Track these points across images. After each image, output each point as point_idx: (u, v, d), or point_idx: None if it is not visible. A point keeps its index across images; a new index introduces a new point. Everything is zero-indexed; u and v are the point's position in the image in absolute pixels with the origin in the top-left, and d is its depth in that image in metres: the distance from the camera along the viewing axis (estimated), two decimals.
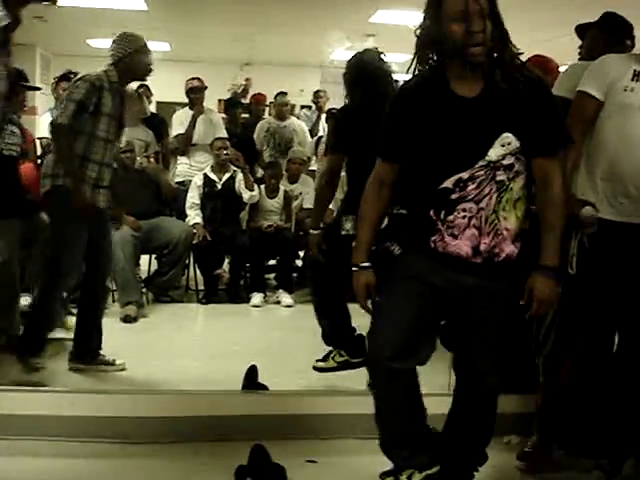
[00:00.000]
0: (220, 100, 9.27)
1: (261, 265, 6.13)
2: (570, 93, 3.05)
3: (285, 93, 7.57)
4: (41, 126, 6.37)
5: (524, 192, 2.30)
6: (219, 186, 6.12)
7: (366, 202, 2.46)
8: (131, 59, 3.88)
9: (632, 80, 2.82)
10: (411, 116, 2.31)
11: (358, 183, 2.53)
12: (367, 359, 2.49)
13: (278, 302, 5.93)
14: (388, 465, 2.55)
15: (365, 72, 3.62)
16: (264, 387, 3.67)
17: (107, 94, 3.80)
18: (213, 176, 6.14)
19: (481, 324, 2.37)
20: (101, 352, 4.03)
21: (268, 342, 4.56)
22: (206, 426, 3.22)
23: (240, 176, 6.11)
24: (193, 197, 6.07)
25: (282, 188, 6.29)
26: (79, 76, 3.85)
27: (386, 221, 3.29)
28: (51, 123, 3.78)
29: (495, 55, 2.22)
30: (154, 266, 6.01)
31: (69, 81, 5.87)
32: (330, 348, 3.95)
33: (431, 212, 2.29)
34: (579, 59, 3.63)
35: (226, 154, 6.14)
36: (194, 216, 6.00)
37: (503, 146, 2.23)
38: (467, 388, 2.49)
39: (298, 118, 8.39)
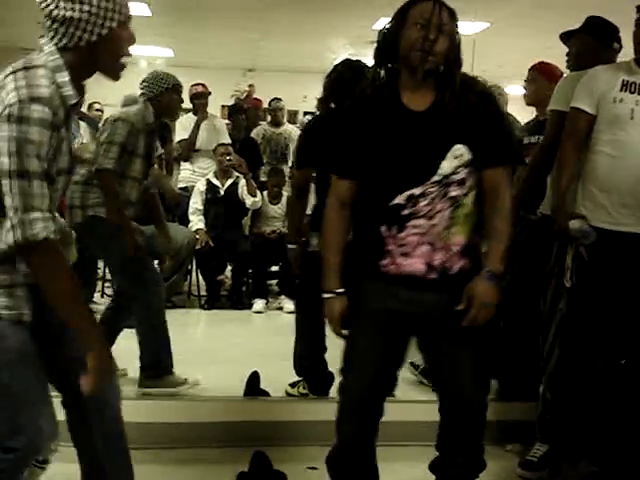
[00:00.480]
0: (223, 106, 9.30)
1: (263, 271, 6.13)
2: (565, 106, 3.06)
3: (279, 99, 7.56)
4: None
5: (475, 206, 2.27)
6: (222, 192, 6.13)
7: (329, 225, 2.38)
8: (163, 98, 3.83)
9: (621, 91, 2.83)
10: (362, 130, 2.28)
11: (325, 197, 2.47)
12: (342, 412, 2.40)
13: (280, 308, 5.93)
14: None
15: (345, 87, 3.49)
16: (266, 393, 3.67)
17: (142, 135, 3.77)
18: (216, 182, 6.15)
19: (450, 341, 2.30)
20: None
21: (270, 348, 4.55)
22: (207, 432, 3.22)
23: (243, 182, 6.12)
24: (196, 203, 6.08)
25: (285, 194, 6.30)
26: (117, 116, 3.79)
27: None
28: (97, 170, 3.68)
29: (446, 74, 2.22)
30: None
31: None
32: None
33: (382, 228, 2.23)
34: (567, 67, 3.63)
35: (229, 160, 6.15)
36: (197, 222, 6.00)
37: (456, 158, 2.21)
38: (451, 406, 2.40)
39: (302, 124, 8.40)
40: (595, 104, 2.87)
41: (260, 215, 6.28)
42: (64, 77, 1.87)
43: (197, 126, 6.45)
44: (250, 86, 10.43)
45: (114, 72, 2.00)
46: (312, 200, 3.80)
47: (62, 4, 1.83)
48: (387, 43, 2.27)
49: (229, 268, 6.21)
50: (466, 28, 8.28)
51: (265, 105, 8.32)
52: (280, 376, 3.91)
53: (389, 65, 2.29)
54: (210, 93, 6.71)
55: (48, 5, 1.84)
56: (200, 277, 6.05)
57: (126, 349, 4.30)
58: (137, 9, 7.59)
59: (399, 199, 2.20)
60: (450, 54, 2.21)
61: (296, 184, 3.79)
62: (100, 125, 3.99)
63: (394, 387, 2.42)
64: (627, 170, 2.80)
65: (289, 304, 5.85)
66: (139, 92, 3.89)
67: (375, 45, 2.30)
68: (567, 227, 2.85)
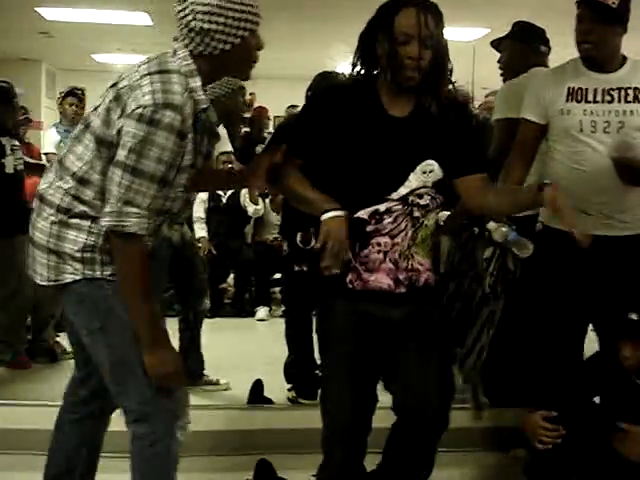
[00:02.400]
0: None
1: (266, 279, 6.13)
2: (508, 113, 3.17)
3: (296, 106, 7.57)
4: (47, 140, 6.38)
5: (434, 227, 2.27)
6: (224, 200, 6.14)
7: (291, 178, 2.20)
8: (228, 99, 3.79)
9: (567, 101, 2.76)
10: (335, 122, 2.16)
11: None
12: (330, 437, 2.34)
13: (283, 316, 5.91)
14: None
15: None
16: (269, 401, 3.67)
17: (205, 134, 3.73)
18: (218, 190, 6.15)
19: (419, 353, 2.24)
20: (205, 372, 4.09)
21: (273, 356, 4.54)
22: (211, 440, 3.21)
23: (245, 190, 6.12)
24: (198, 211, 6.07)
25: None
26: None
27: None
28: None
29: (429, 81, 2.14)
30: None
31: (75, 97, 5.90)
32: None
33: None
34: (501, 74, 3.70)
35: (231, 168, 6.15)
36: (199, 230, 6.00)
37: (424, 173, 2.17)
38: (413, 417, 2.27)
39: None
40: (544, 114, 2.81)
41: (262, 223, 6.28)
42: (196, 82, 1.96)
43: None
44: (251, 94, 10.44)
45: (243, 75, 2.12)
46: None
47: (200, 16, 1.92)
48: (366, 48, 2.21)
49: (232, 276, 6.22)
50: (466, 34, 8.30)
51: (271, 113, 8.32)
52: (283, 384, 3.91)
53: (367, 69, 2.22)
54: None
55: (186, 15, 1.95)
56: None
57: None
58: (138, 19, 7.61)
59: (363, 213, 2.15)
60: (435, 62, 2.12)
61: None
62: None
63: (376, 402, 2.33)
64: (585, 181, 2.74)
65: None
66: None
67: (356, 49, 2.24)
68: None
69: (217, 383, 4.06)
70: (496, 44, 3.71)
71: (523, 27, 3.61)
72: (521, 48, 3.53)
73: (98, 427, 2.32)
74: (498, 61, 3.70)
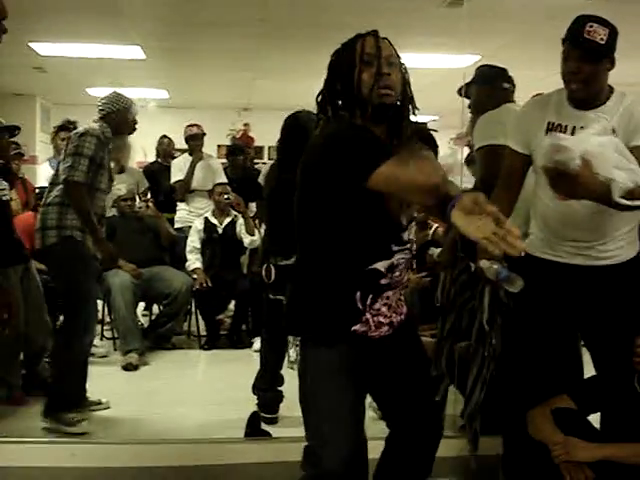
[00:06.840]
0: (220, 145, 9.33)
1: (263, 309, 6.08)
2: (489, 140, 3.26)
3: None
4: (42, 175, 6.39)
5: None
6: (220, 230, 6.12)
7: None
8: (120, 115, 4.00)
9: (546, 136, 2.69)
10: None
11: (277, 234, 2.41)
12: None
13: None
14: None
15: (298, 134, 3.60)
16: (267, 433, 3.64)
17: (106, 148, 3.92)
18: (214, 220, 6.15)
19: (404, 366, 2.28)
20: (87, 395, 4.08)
21: None
22: (209, 474, 3.19)
23: (241, 221, 6.11)
24: (193, 241, 6.06)
25: None
26: (82, 130, 3.89)
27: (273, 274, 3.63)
28: (66, 181, 3.76)
29: (398, 112, 2.12)
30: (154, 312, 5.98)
31: (68, 131, 5.90)
32: None
33: (357, 295, 2.10)
34: (471, 119, 3.82)
35: (227, 199, 6.15)
36: (194, 260, 5.98)
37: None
38: (415, 442, 2.29)
39: None
40: (527, 144, 2.77)
41: (258, 253, 6.26)
42: None
43: (192, 167, 6.47)
44: (245, 125, 10.50)
45: None
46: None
47: None
48: (333, 91, 2.20)
49: (229, 307, 6.19)
50: (456, 61, 8.35)
51: (259, 143, 8.31)
52: (281, 415, 3.89)
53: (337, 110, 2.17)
54: (205, 134, 6.73)
55: None
56: (200, 317, 6.01)
57: (121, 392, 4.28)
58: (132, 52, 7.65)
59: (380, 265, 2.10)
60: (405, 93, 2.12)
61: None
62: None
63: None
64: (559, 217, 2.73)
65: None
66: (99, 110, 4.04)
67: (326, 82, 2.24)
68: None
69: (99, 403, 4.10)
70: (465, 92, 3.81)
71: (483, 71, 3.75)
72: (486, 90, 3.66)
73: None
74: (468, 106, 3.83)
